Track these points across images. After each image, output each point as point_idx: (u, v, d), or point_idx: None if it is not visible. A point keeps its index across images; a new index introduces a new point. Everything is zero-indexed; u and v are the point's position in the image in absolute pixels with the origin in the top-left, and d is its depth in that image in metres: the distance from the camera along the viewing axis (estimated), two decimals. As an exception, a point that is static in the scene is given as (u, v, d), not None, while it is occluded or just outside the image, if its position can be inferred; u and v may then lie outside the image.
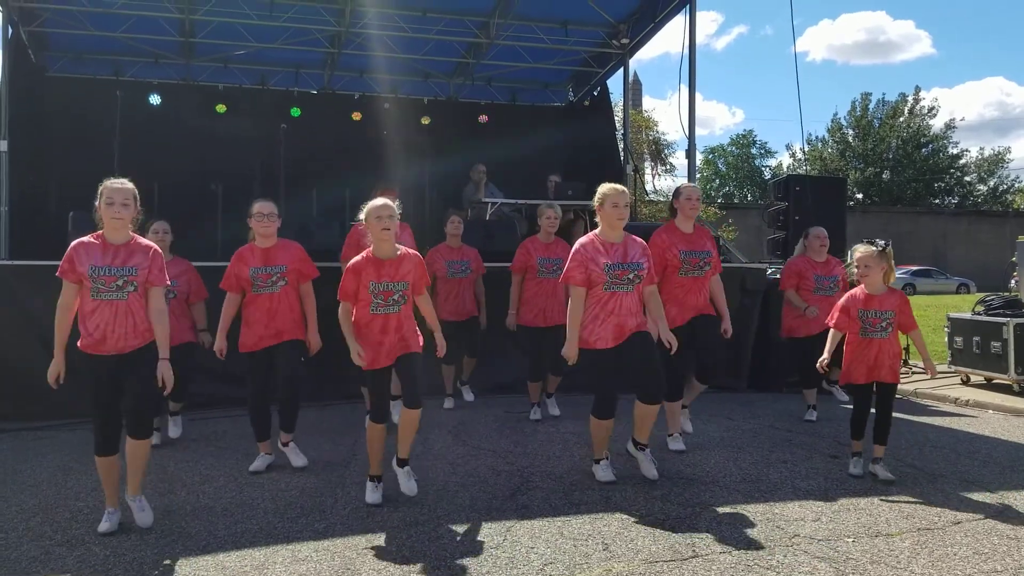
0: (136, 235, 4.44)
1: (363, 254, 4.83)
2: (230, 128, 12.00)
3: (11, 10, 10.19)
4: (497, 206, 10.85)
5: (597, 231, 5.21)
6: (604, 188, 5.17)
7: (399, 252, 4.84)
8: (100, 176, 10.78)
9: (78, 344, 4.29)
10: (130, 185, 4.36)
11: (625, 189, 5.24)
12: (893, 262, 5.43)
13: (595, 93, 14.20)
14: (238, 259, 5.55)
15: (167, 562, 3.90)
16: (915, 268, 36.81)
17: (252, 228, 5.57)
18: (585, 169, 12.77)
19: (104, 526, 4.28)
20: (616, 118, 14.45)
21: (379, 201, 4.77)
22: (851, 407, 5.63)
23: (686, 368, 6.19)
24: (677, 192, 6.18)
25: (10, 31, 10.34)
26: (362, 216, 4.82)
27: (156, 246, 4.48)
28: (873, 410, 5.46)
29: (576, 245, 5.17)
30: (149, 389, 4.38)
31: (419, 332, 4.94)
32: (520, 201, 11.16)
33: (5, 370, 7.26)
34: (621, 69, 13.27)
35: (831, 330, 5.54)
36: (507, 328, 7.28)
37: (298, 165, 11.59)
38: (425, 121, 13.23)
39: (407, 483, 4.86)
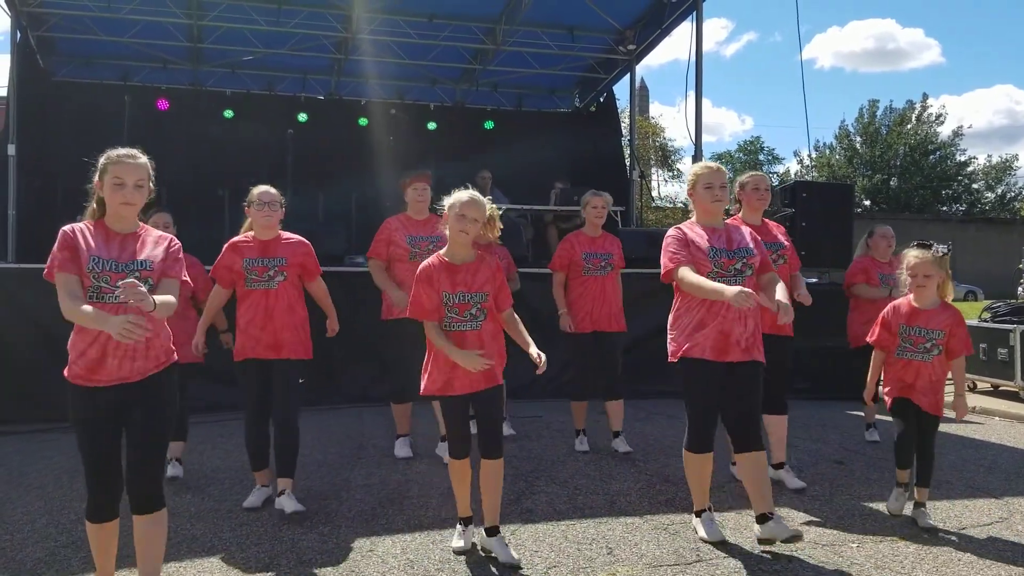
0: (145, 224, 3.49)
1: (435, 258, 4.04)
2: (237, 133, 12.07)
3: (20, 15, 10.25)
4: (502, 211, 10.85)
5: (692, 219, 4.41)
6: (695, 167, 4.40)
7: (476, 256, 4.06)
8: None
9: (65, 374, 3.25)
10: (144, 159, 3.40)
11: (721, 167, 4.38)
12: (950, 271, 4.64)
13: (601, 99, 14.23)
14: (231, 249, 4.79)
15: (171, 564, 3.90)
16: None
17: (250, 217, 4.86)
18: (591, 175, 12.77)
19: None
20: (623, 124, 14.47)
21: (468, 196, 3.98)
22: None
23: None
24: (743, 182, 5.25)
25: (18, 35, 10.41)
26: (445, 207, 4.05)
27: (173, 237, 3.48)
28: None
29: (668, 234, 4.33)
30: (160, 435, 3.32)
31: (504, 361, 4.14)
32: (525, 207, 11.18)
33: (11, 373, 7.29)
34: (628, 75, 13.29)
35: (874, 352, 4.80)
36: (562, 331, 6.27)
37: (305, 170, 11.63)
38: (431, 127, 13.26)
39: (505, 552, 3.93)
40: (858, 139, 53.78)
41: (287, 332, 4.75)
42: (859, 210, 46.89)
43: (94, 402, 3.19)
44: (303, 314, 4.87)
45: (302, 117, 12.55)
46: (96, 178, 3.34)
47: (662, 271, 4.27)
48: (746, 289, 3.79)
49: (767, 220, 5.38)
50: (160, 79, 12.70)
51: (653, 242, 9.89)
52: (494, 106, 14.15)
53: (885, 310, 4.78)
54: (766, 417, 5.03)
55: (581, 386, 6.30)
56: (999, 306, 9.85)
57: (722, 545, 4.18)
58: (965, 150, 57.34)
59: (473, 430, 4.14)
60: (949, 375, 4.71)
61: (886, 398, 4.74)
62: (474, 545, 4.10)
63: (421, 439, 6.15)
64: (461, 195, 3.98)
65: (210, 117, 12.21)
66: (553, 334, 6.23)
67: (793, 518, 4.64)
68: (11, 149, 9.34)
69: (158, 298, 3.13)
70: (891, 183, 51.50)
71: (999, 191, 53.94)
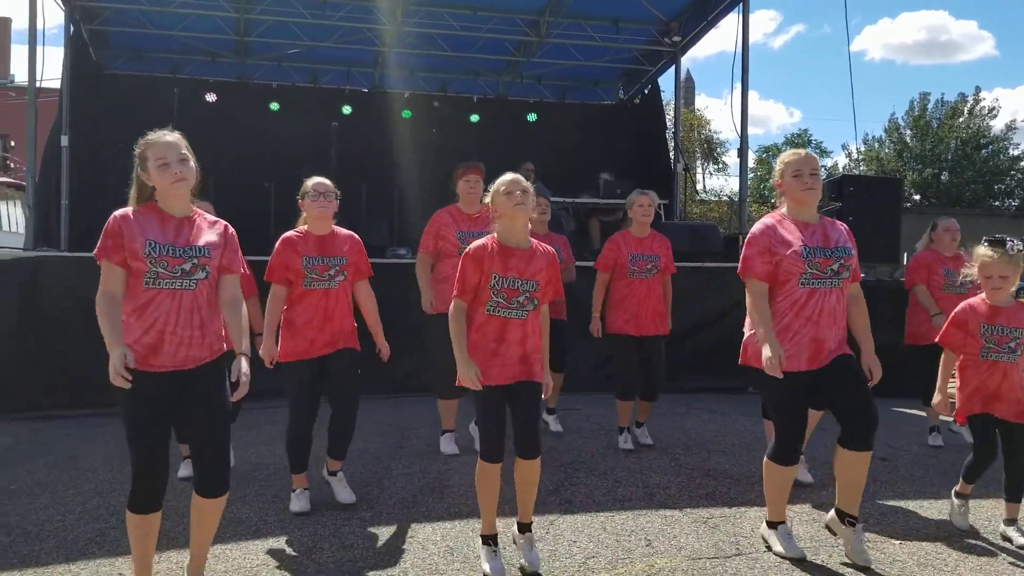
0: (198, 209, 3.41)
1: (489, 238, 3.78)
2: (283, 126, 12.20)
3: (73, 9, 10.48)
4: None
5: (783, 210, 4.02)
6: (782, 156, 4.02)
7: (532, 243, 3.83)
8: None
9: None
10: (176, 134, 3.34)
11: (811, 154, 4.00)
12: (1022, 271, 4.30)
13: (646, 91, 14.13)
14: (287, 246, 4.58)
15: (217, 546, 3.98)
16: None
17: (304, 210, 4.70)
18: (634, 168, 12.73)
19: None
20: (668, 117, 14.37)
21: (508, 176, 3.76)
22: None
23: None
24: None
25: (72, 29, 10.64)
26: (488, 197, 3.81)
27: (227, 223, 3.44)
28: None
29: (755, 228, 3.98)
30: (223, 423, 3.27)
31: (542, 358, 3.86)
32: (568, 200, 11.17)
33: (63, 361, 7.48)
34: (673, 67, 13.19)
35: (944, 354, 4.46)
36: (591, 333, 6.20)
37: (348, 163, 11.73)
38: (474, 119, 13.29)
39: (529, 555, 3.75)
40: (908, 132, 52.80)
41: (342, 330, 4.63)
42: (908, 205, 46.03)
43: (146, 390, 3.07)
44: (353, 307, 4.77)
45: (346, 109, 12.65)
46: (139, 170, 3.28)
47: (740, 266, 3.96)
48: (779, 356, 3.66)
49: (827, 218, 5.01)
50: (208, 72, 12.89)
51: (697, 236, 9.87)
52: (537, 98, 14.14)
53: (959, 309, 4.42)
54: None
55: (625, 386, 6.14)
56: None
57: (757, 536, 4.15)
58: (1019, 144, 56.06)
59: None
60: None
61: (957, 407, 4.40)
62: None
63: (465, 432, 6.18)
64: (503, 178, 3.76)
65: (256, 110, 12.36)
66: (595, 326, 6.22)
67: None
68: (64, 140, 9.56)
69: (243, 352, 3.27)
70: (942, 177, 50.50)
71: (1054, 186, 52.63)
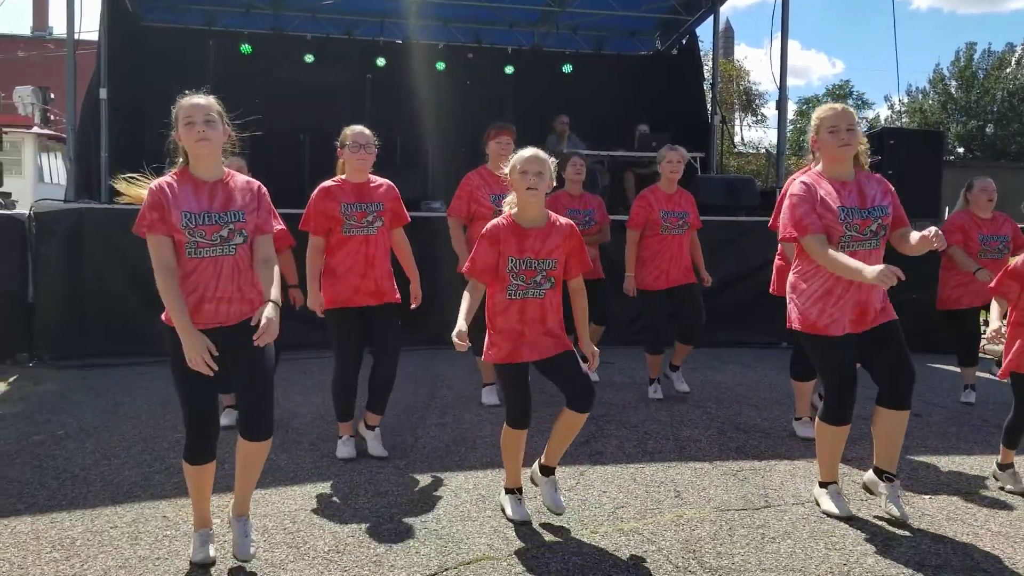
0: (230, 170, 3.44)
1: (504, 218, 3.74)
2: (317, 78, 12.18)
3: (109, -42, 10.49)
4: (581, 160, 10.80)
5: (818, 169, 3.93)
6: (817, 111, 3.90)
7: (548, 219, 3.74)
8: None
9: (163, 318, 3.27)
10: (209, 98, 3.38)
11: (848, 108, 3.82)
12: None
13: (683, 42, 13.90)
14: (324, 195, 4.61)
15: (257, 491, 4.09)
16: (1019, 226, 35.32)
17: (343, 160, 4.71)
18: (671, 120, 12.57)
19: (199, 554, 3.32)
20: (705, 68, 14.14)
21: (527, 152, 3.66)
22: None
23: None
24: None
25: (108, -21, 10.66)
26: (506, 170, 3.73)
27: (259, 183, 3.48)
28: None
29: (794, 189, 3.83)
30: (266, 372, 3.32)
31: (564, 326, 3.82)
32: (603, 153, 11.09)
33: (107, 311, 7.65)
34: (711, 17, 12.95)
35: (993, 300, 4.36)
36: (625, 294, 6.21)
37: (382, 115, 11.71)
38: (508, 71, 13.18)
39: (553, 496, 3.86)
40: (953, 84, 51.50)
41: (386, 279, 4.68)
42: (951, 158, 45.09)
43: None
44: (391, 258, 4.81)
45: (380, 61, 12.59)
46: (174, 131, 3.32)
47: (783, 232, 3.84)
48: (890, 267, 3.39)
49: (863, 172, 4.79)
50: (242, 24, 12.87)
51: (732, 190, 9.77)
52: (573, 49, 13.94)
53: (1017, 261, 4.25)
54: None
55: (655, 340, 6.26)
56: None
57: (786, 489, 4.19)
58: (1069, 95, 54.47)
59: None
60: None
61: (1003, 364, 4.32)
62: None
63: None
64: (521, 152, 3.67)
65: (291, 62, 12.35)
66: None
67: (866, 468, 4.60)
68: (103, 93, 9.64)
69: (271, 299, 3.22)
70: (987, 130, 49.32)
71: (1103, 139, 51.21)
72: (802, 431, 5.22)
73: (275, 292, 3.28)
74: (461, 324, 3.57)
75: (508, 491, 3.88)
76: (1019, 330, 4.24)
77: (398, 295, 4.74)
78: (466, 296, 3.70)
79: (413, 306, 4.82)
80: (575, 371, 3.70)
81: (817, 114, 3.88)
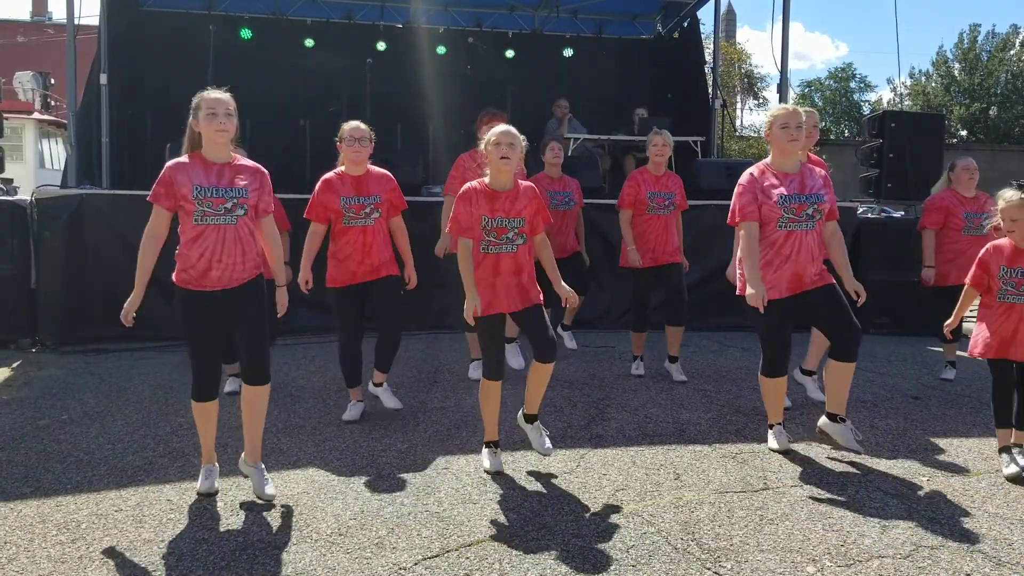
0: (237, 155, 3.94)
1: (477, 182, 4.23)
2: (318, 63, 12.15)
3: (109, -58, 10.44)
4: (579, 142, 10.79)
5: (767, 161, 4.51)
6: (773, 109, 4.52)
7: (515, 184, 4.23)
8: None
9: (174, 279, 3.81)
10: (229, 95, 3.83)
11: (799, 108, 4.49)
12: None
13: (684, 25, 13.84)
14: (326, 187, 5.00)
15: (259, 475, 4.14)
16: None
17: (341, 153, 5.08)
18: (672, 104, 12.55)
19: (204, 485, 3.86)
20: (707, 51, 14.08)
21: (501, 127, 4.17)
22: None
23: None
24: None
25: (107, -37, 10.62)
26: (482, 144, 4.22)
27: (262, 167, 3.96)
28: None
29: (741, 179, 4.46)
30: (261, 325, 3.88)
31: (536, 283, 4.30)
32: (603, 137, 11.07)
33: (110, 297, 7.63)
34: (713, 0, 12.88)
35: (965, 287, 4.53)
36: (595, 264, 6.53)
37: (383, 99, 11.70)
38: (509, 55, 13.14)
39: (539, 440, 4.34)
40: (956, 66, 51.27)
41: (381, 258, 5.09)
42: (954, 140, 44.96)
43: (202, 303, 3.77)
44: (390, 239, 5.19)
45: (381, 46, 12.55)
46: (191, 117, 3.78)
47: (728, 217, 4.50)
48: (759, 297, 4.24)
49: (812, 155, 5.46)
50: (243, 8, 12.82)
51: (732, 174, 9.72)
52: (573, 33, 13.88)
53: (985, 250, 4.43)
54: (814, 332, 5.62)
55: (639, 318, 6.52)
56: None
57: (785, 472, 4.23)
58: (1073, 77, 54.21)
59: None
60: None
61: (975, 349, 4.42)
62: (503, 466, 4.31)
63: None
64: (497, 128, 4.17)
65: (291, 47, 12.31)
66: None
67: (867, 452, 4.64)
68: (103, 78, 9.62)
69: (277, 266, 4.02)
70: (990, 112, 49.14)
71: (1108, 121, 50.99)
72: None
73: (284, 276, 4.04)
74: (473, 298, 4.09)
75: (486, 444, 4.33)
76: (985, 315, 4.43)
77: (396, 269, 5.14)
78: (464, 266, 4.16)
79: (409, 287, 5.18)
80: (541, 325, 4.18)
81: (771, 111, 4.50)
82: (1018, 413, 4.34)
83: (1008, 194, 4.32)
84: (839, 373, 4.45)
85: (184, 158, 3.80)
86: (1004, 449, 4.36)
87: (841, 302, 4.41)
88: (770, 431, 4.68)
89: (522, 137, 4.21)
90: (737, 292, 4.55)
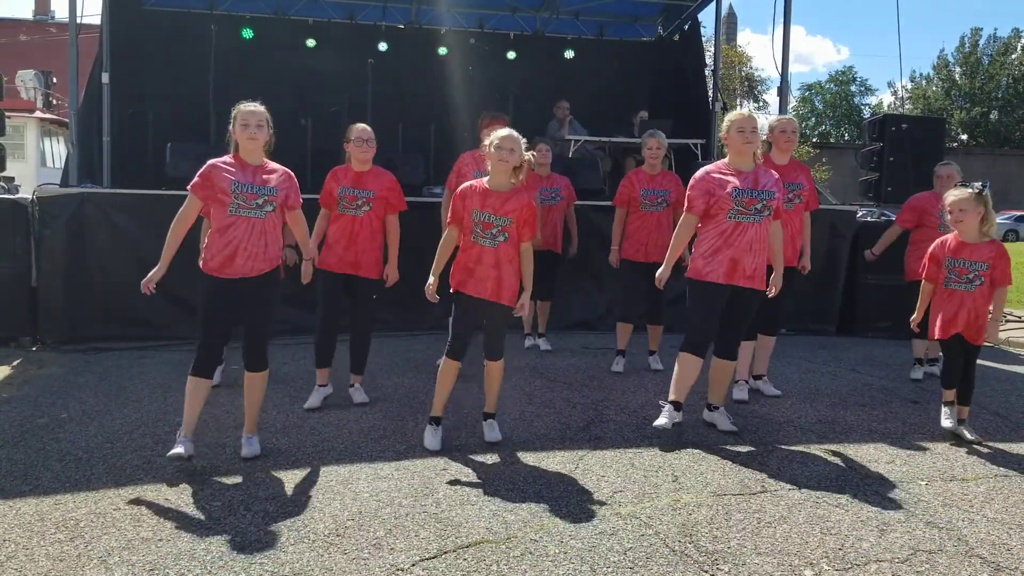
0: (267, 160, 4.47)
1: (475, 181, 4.72)
2: (319, 63, 12.15)
3: (111, -58, 10.44)
4: (580, 143, 10.80)
5: (726, 160, 4.98)
6: (731, 115, 4.97)
7: (511, 188, 4.62)
8: (196, 109, 11.02)
9: (200, 265, 4.29)
10: (263, 108, 4.40)
11: (752, 115, 5.02)
12: (991, 207, 4.96)
13: (685, 28, 13.85)
14: (332, 176, 5.51)
15: (258, 474, 4.15)
16: (1020, 213, 35.27)
17: (349, 152, 5.48)
18: (672, 106, 12.54)
19: (177, 449, 4.14)
20: (707, 53, 14.08)
21: (504, 131, 4.57)
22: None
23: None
24: (772, 124, 5.97)
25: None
26: (486, 143, 4.66)
27: (289, 171, 4.53)
28: None
29: (697, 173, 4.92)
30: (268, 318, 4.43)
31: (518, 287, 4.69)
32: (604, 139, 11.08)
33: (110, 296, 7.68)
34: (714, 2, 12.89)
35: (923, 284, 5.21)
36: (598, 265, 6.97)
37: (385, 100, 11.70)
38: (511, 56, 13.15)
39: (491, 433, 4.82)
40: (957, 70, 51.29)
41: (366, 255, 5.45)
42: (955, 144, 44.99)
43: (222, 289, 4.25)
44: (382, 241, 5.54)
45: (382, 46, 12.56)
46: (231, 126, 4.38)
47: (686, 204, 4.99)
48: (664, 278, 5.03)
49: (794, 160, 5.97)
50: (244, 8, 12.83)
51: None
52: (575, 35, 13.89)
53: (933, 245, 5.17)
54: (760, 336, 5.88)
55: (626, 308, 6.91)
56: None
57: (782, 475, 4.23)
58: (1074, 82, 54.23)
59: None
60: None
61: (932, 333, 5.13)
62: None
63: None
64: (499, 132, 4.59)
65: (293, 46, 12.31)
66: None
67: (863, 455, 4.65)
68: (105, 77, 9.63)
69: (306, 242, 4.82)
70: (991, 116, 49.17)
71: (1108, 126, 51.01)
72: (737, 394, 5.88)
73: (310, 247, 4.94)
74: (431, 278, 4.64)
75: (430, 420, 4.74)
76: (936, 302, 5.11)
77: (377, 273, 5.53)
78: (439, 251, 4.70)
79: (387, 284, 5.58)
80: (498, 326, 4.72)
81: (729, 117, 4.95)
82: (962, 392, 5.06)
83: (955, 191, 5.01)
84: (721, 369, 5.05)
85: (227, 158, 4.38)
86: (947, 403, 5.10)
87: (749, 310, 4.96)
88: (663, 408, 4.94)
89: (523, 139, 4.60)
90: (686, 275, 4.99)
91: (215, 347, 4.35)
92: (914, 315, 5.28)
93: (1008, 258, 4.96)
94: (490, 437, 4.81)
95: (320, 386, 5.54)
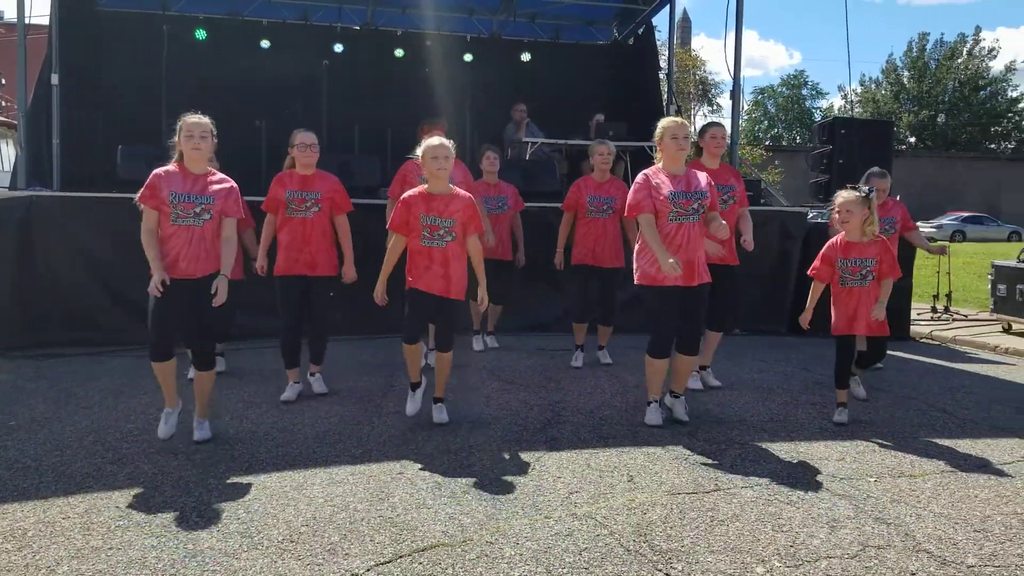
0: (212, 168, 4.68)
1: (418, 189, 5.03)
2: (274, 64, 12.03)
3: (61, -59, 10.24)
4: (537, 146, 10.84)
5: (659, 165, 5.19)
6: (664, 121, 5.17)
7: (452, 191, 5.02)
8: (148, 111, 10.85)
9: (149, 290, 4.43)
10: (207, 120, 4.60)
11: (685, 122, 5.23)
12: (876, 211, 5.34)
13: (640, 31, 13.97)
14: (277, 182, 5.72)
15: (211, 480, 4.10)
16: (966, 215, 36.07)
17: (294, 157, 5.70)
18: (628, 110, 12.63)
19: (163, 429, 4.61)
20: (662, 57, 14.23)
21: (435, 140, 4.94)
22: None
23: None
24: (702, 130, 6.19)
25: (59, -38, 10.42)
26: (419, 152, 4.99)
27: (231, 182, 4.70)
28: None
29: (636, 179, 5.15)
30: (212, 320, 4.61)
31: (466, 281, 5.08)
32: (560, 141, 11.13)
33: (59, 300, 7.55)
34: (668, 7, 13.02)
35: (813, 283, 5.51)
36: (553, 267, 7.16)
37: (341, 102, 11.63)
38: (467, 58, 13.16)
39: (439, 415, 5.21)
40: (906, 74, 52.34)
41: (321, 254, 5.72)
42: (903, 147, 45.88)
43: (168, 288, 4.36)
44: (333, 240, 5.79)
45: (338, 48, 12.50)
46: (176, 137, 4.55)
47: (626, 212, 5.19)
48: (677, 261, 4.84)
49: (723, 163, 6.25)
50: (198, 9, 12.68)
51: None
52: (531, 38, 13.95)
53: (825, 246, 5.47)
54: (708, 332, 6.12)
55: (581, 309, 7.08)
56: (1039, 247, 9.72)
57: (736, 473, 4.29)
58: (1017, 86, 55.71)
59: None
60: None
61: (833, 329, 5.42)
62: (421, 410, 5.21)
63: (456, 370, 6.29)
64: (431, 141, 4.95)
65: (247, 48, 12.18)
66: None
67: (814, 453, 4.73)
68: (54, 78, 9.44)
69: (224, 261, 4.58)
70: (938, 120, 50.25)
71: (1051, 129, 52.41)
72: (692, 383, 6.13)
73: (227, 266, 4.56)
74: (379, 284, 5.06)
75: (411, 387, 5.22)
76: (835, 299, 5.41)
77: (333, 270, 5.80)
78: (387, 257, 5.06)
79: (344, 281, 5.85)
80: (446, 319, 5.11)
81: (662, 124, 5.15)
82: (860, 357, 5.47)
83: (844, 193, 5.34)
84: (683, 363, 5.29)
85: (172, 166, 4.56)
86: (841, 404, 5.44)
87: (702, 302, 5.19)
88: (648, 407, 5.25)
89: (453, 146, 5.00)
90: (636, 281, 5.15)
91: (165, 334, 4.53)
92: (803, 313, 5.45)
93: (892, 252, 5.37)
94: (438, 419, 5.17)
95: (295, 383, 5.82)
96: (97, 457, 4.46)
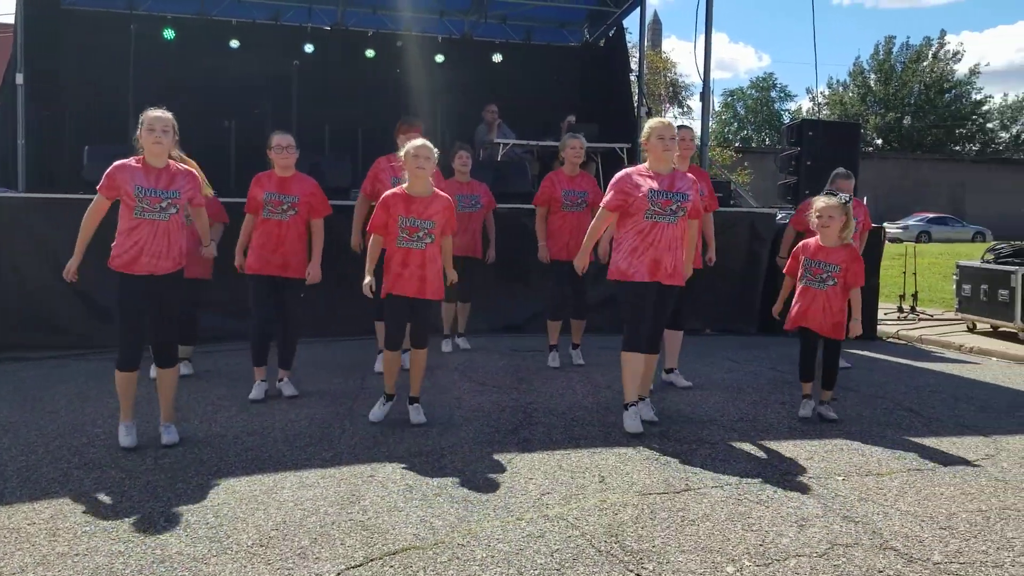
0: (172, 161, 4.69)
1: (396, 189, 5.07)
2: (243, 64, 11.93)
3: (26, -62, 10.10)
4: (509, 147, 10.85)
5: (645, 164, 5.21)
6: (651, 122, 5.22)
7: (431, 193, 5.07)
8: (115, 111, 10.74)
9: (109, 264, 4.51)
10: (169, 115, 4.60)
11: (671, 123, 5.28)
12: (851, 217, 5.45)
13: (611, 33, 14.02)
14: (256, 182, 5.74)
15: (180, 485, 4.06)
16: (931, 216, 36.56)
17: (271, 159, 5.71)
18: (599, 111, 12.68)
19: (125, 440, 4.58)
20: (633, 59, 14.28)
21: (419, 141, 5.01)
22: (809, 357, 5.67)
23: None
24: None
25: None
26: (402, 152, 5.03)
27: (193, 170, 4.78)
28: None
29: (617, 174, 5.18)
30: (174, 317, 4.71)
31: (442, 282, 5.15)
32: (532, 142, 11.14)
33: (26, 302, 7.44)
34: (638, 9, 13.07)
35: (786, 279, 5.73)
36: (525, 268, 7.24)
37: (311, 102, 11.56)
38: (439, 59, 13.14)
39: (416, 416, 5.21)
40: (872, 76, 52.97)
41: (295, 256, 5.72)
42: (870, 149, 46.40)
43: (132, 285, 4.50)
44: (307, 241, 5.78)
45: (308, 48, 12.42)
46: (138, 132, 4.55)
47: (603, 199, 5.25)
48: (581, 264, 5.31)
49: (693, 166, 6.29)
50: (166, 8, 12.54)
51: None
52: (503, 39, 13.97)
53: (798, 246, 5.68)
54: (667, 332, 5.99)
55: (556, 306, 7.07)
56: (1002, 247, 9.89)
57: (706, 473, 4.31)
58: (981, 89, 56.59)
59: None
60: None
61: (788, 324, 5.65)
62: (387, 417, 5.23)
63: (427, 373, 6.28)
64: (415, 142, 5.00)
65: (216, 47, 12.07)
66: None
67: (783, 452, 4.77)
68: (19, 78, 9.30)
69: (209, 241, 5.07)
70: (904, 122, 50.90)
71: (1014, 131, 53.32)
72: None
73: (211, 239, 5.09)
74: (367, 277, 5.01)
75: (385, 397, 5.26)
76: (796, 293, 5.59)
77: (303, 273, 5.74)
78: (369, 252, 5.10)
79: (308, 282, 5.76)
80: (422, 317, 5.15)
81: (649, 124, 5.19)
82: (825, 377, 5.55)
83: (824, 199, 5.48)
84: (647, 364, 5.29)
85: (133, 161, 4.55)
86: (805, 396, 5.58)
87: (668, 306, 5.25)
88: (626, 411, 5.14)
89: (436, 150, 5.04)
90: (608, 276, 5.19)
91: (135, 341, 4.58)
92: (775, 304, 5.80)
93: (861, 262, 5.50)
94: (415, 419, 5.17)
95: (262, 381, 5.83)
96: (63, 462, 4.40)
